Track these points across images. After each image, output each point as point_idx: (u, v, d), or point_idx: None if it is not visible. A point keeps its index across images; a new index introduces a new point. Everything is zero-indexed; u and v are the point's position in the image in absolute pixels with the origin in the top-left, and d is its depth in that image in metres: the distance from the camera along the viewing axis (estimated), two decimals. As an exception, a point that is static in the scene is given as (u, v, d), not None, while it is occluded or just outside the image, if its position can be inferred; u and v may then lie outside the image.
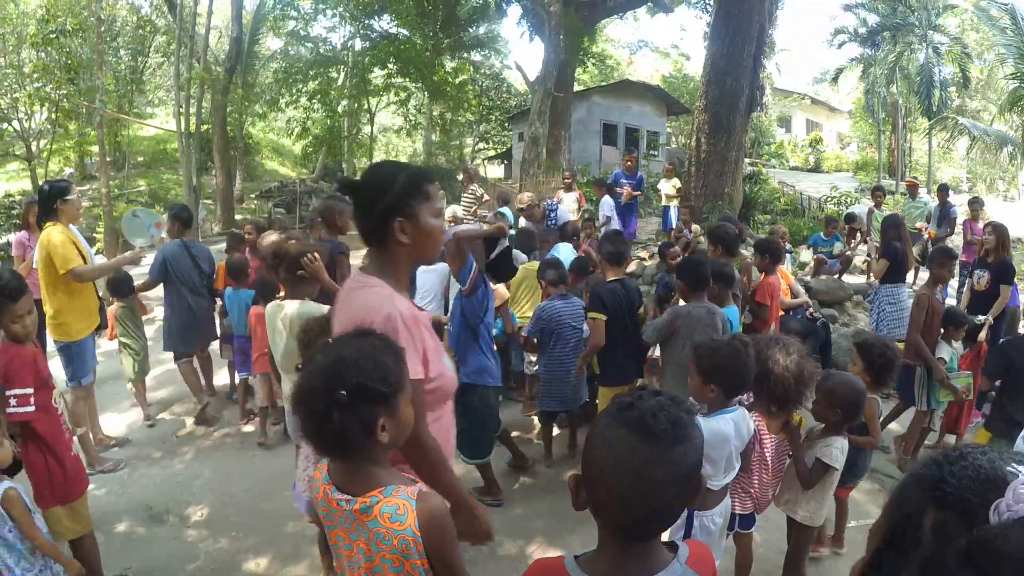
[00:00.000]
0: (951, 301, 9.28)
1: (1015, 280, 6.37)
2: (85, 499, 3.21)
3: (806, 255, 10.21)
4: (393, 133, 33.57)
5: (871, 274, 8.99)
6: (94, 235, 13.12)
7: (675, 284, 4.46)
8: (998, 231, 6.28)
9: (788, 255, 7.83)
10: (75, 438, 3.28)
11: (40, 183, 14.20)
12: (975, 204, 10.18)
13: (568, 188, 10.01)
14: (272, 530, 4.02)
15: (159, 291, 5.97)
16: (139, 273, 6.40)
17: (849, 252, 9.05)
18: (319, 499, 1.61)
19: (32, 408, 2.92)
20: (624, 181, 9.83)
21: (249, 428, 5.55)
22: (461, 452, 3.91)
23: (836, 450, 2.91)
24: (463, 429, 3.03)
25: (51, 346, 4.66)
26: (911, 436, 5.33)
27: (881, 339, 3.75)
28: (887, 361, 3.48)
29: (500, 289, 5.33)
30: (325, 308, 3.37)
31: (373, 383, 1.46)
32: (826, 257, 9.00)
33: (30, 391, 2.92)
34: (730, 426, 2.63)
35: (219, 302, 5.97)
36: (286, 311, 3.54)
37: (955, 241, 11.39)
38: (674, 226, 9.75)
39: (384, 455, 1.60)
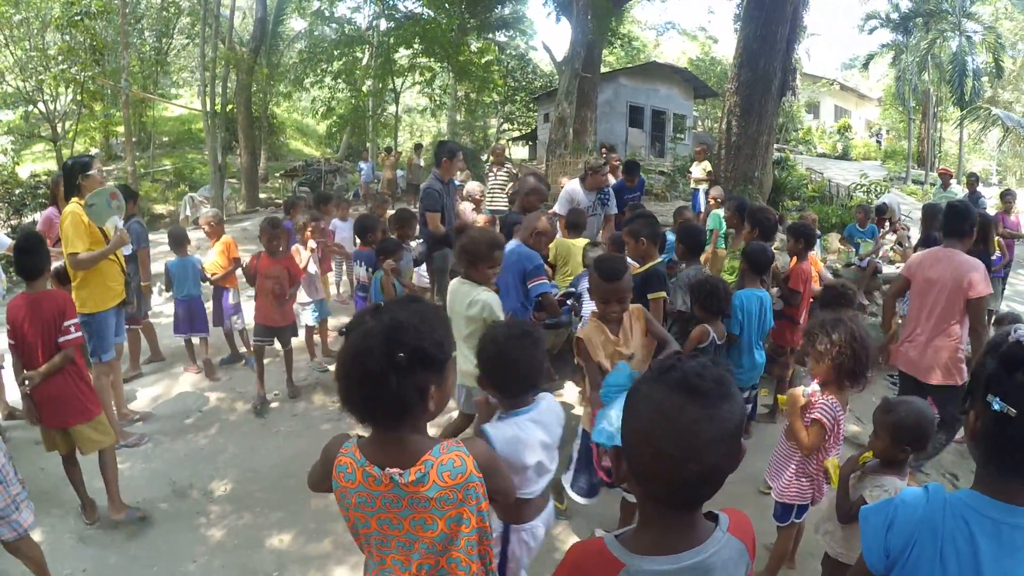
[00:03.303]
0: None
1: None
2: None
3: (835, 242, 10.04)
4: (418, 113, 33.47)
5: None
6: (119, 213, 13.20)
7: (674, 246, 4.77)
8: (980, 220, 6.03)
9: (817, 242, 7.65)
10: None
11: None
12: (1008, 196, 9.91)
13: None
14: (296, 506, 3.99)
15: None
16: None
17: (877, 258, 8.72)
18: (353, 485, 1.53)
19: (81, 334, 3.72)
20: (627, 197, 8.16)
21: (274, 405, 5.54)
22: None
23: (886, 494, 2.48)
24: None
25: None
26: None
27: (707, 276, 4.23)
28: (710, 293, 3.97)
29: None
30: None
31: (431, 347, 1.45)
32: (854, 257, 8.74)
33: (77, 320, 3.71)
34: (533, 430, 2.22)
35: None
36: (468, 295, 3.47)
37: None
38: (703, 209, 9.58)
39: (425, 425, 1.58)
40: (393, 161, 17.15)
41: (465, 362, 3.48)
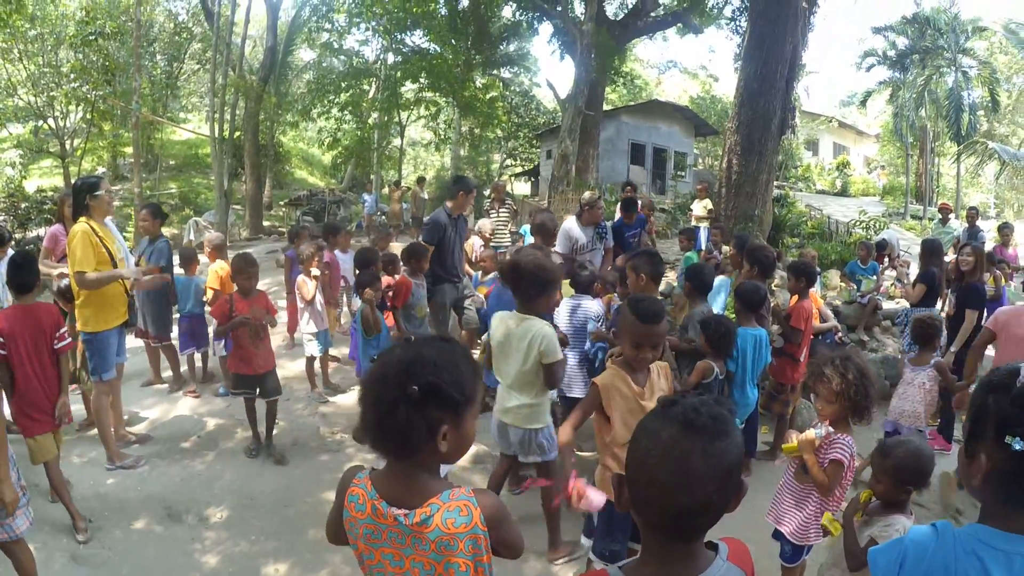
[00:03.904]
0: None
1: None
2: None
3: (835, 278, 10.05)
4: (422, 147, 33.83)
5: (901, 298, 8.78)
6: (124, 234, 13.27)
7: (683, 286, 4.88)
8: (976, 251, 6.09)
9: (817, 279, 7.67)
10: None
11: (73, 180, 14.55)
12: (1005, 229, 10.02)
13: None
14: (293, 535, 3.97)
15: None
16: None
17: (877, 295, 8.72)
18: (363, 516, 1.54)
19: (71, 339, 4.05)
20: (628, 234, 7.94)
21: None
22: None
23: (896, 533, 2.45)
24: None
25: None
26: None
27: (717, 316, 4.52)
28: (724, 335, 4.19)
29: None
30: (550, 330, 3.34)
31: (447, 386, 1.46)
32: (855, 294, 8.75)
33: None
34: None
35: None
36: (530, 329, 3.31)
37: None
38: (704, 247, 9.63)
39: (437, 466, 1.57)
40: (400, 194, 17.34)
41: (509, 398, 3.45)
